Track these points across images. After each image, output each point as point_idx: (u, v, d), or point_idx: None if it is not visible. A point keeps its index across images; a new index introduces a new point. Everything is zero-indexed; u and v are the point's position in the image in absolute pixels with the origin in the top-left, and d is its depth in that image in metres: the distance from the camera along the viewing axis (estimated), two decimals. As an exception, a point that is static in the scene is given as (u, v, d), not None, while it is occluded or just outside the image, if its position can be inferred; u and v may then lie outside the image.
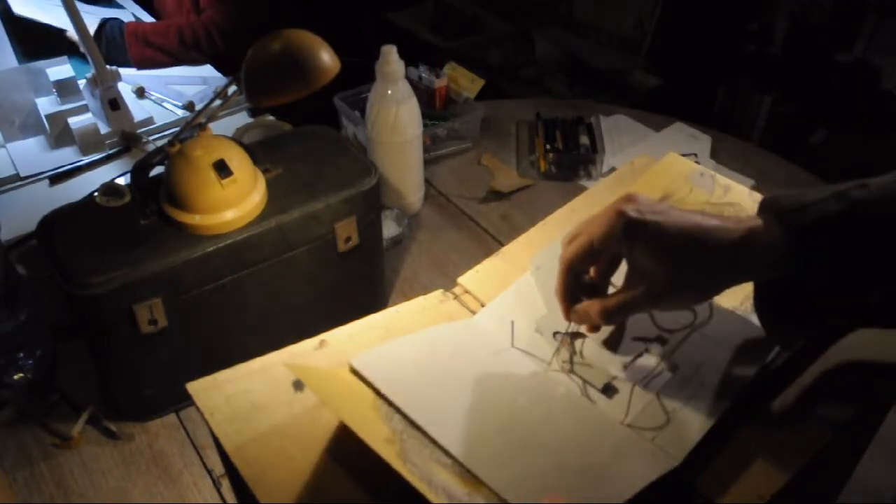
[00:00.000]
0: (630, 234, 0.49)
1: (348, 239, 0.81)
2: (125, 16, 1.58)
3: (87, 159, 1.18)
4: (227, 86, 0.75)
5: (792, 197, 0.47)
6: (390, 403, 0.51)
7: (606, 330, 0.58)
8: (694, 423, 0.51)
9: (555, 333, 0.58)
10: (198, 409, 0.53)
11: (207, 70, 1.47)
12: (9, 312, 0.75)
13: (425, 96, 1.22)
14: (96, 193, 0.75)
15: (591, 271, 0.55)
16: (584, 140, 1.19)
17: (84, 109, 1.22)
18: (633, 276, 0.51)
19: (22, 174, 1.15)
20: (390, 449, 0.47)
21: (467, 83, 1.30)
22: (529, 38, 2.43)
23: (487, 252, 0.72)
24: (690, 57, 2.21)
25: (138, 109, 1.28)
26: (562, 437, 0.51)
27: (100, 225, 0.73)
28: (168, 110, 1.32)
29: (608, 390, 0.54)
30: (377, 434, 0.48)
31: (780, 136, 2.04)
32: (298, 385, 0.55)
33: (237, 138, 0.80)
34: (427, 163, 1.11)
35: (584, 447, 0.50)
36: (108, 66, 1.21)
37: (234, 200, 0.72)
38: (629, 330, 0.58)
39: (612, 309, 0.52)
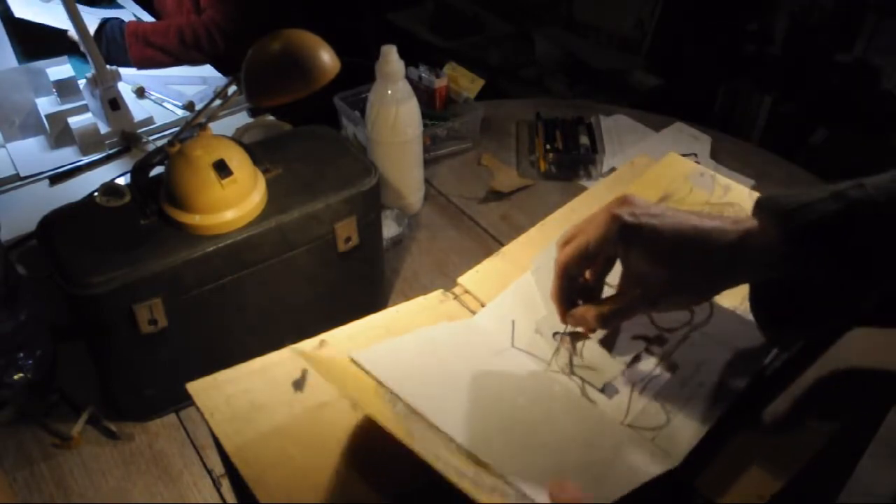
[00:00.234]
0: (626, 237, 0.49)
1: (348, 239, 0.81)
2: (125, 16, 1.58)
3: (87, 159, 1.18)
4: (227, 86, 0.75)
5: (789, 197, 0.47)
6: (392, 392, 0.51)
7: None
8: (694, 422, 0.51)
9: (554, 334, 0.58)
10: (198, 409, 0.53)
11: (207, 70, 1.47)
12: (9, 312, 0.75)
13: (425, 96, 1.22)
14: (96, 193, 0.75)
15: (587, 273, 0.55)
16: (584, 140, 1.19)
17: (84, 109, 1.22)
18: (629, 279, 0.51)
19: (22, 174, 1.15)
20: (399, 426, 0.47)
21: (467, 83, 1.30)
22: (529, 38, 2.43)
23: (487, 252, 0.72)
24: (690, 57, 2.21)
25: (138, 109, 1.28)
26: (562, 437, 0.51)
27: (100, 225, 0.73)
28: (168, 110, 1.32)
29: (608, 390, 0.54)
30: (383, 414, 0.48)
31: (780, 136, 2.04)
32: (298, 385, 0.55)
33: (237, 138, 0.80)
34: (427, 163, 1.11)
35: (584, 447, 0.50)
36: (108, 66, 1.21)
37: (234, 200, 0.72)
38: (629, 329, 0.58)
39: (609, 313, 0.52)
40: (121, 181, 0.77)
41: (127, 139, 1.23)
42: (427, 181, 1.13)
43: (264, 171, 0.78)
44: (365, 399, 0.49)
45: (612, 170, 1.15)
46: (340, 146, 0.85)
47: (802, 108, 2.04)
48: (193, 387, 0.55)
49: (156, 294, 0.70)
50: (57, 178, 1.16)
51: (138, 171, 0.74)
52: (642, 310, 0.53)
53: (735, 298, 0.59)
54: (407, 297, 0.78)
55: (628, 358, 0.56)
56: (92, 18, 1.42)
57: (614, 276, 0.54)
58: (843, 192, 0.45)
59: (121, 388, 0.78)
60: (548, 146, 1.18)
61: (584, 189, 1.03)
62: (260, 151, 0.79)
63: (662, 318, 0.58)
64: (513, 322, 0.60)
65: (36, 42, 1.40)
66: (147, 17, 1.62)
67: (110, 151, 1.21)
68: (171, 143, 0.71)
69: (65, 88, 1.23)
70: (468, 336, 0.60)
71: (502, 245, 0.76)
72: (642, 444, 0.50)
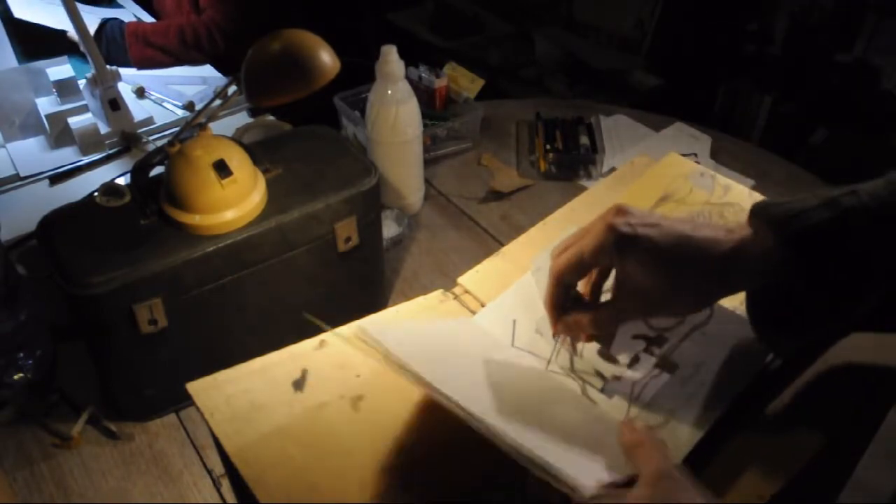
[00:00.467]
0: (621, 248, 0.49)
1: (348, 239, 0.81)
2: (125, 16, 1.58)
3: (87, 159, 1.18)
4: (227, 86, 0.75)
5: (783, 205, 0.47)
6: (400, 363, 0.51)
7: (605, 330, 0.58)
8: (693, 422, 0.51)
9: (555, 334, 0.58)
10: (198, 409, 0.53)
11: (207, 70, 1.48)
12: (9, 312, 0.75)
13: (425, 96, 1.22)
14: (96, 193, 0.75)
15: (580, 285, 0.55)
16: (584, 140, 1.19)
17: (84, 109, 1.22)
18: (624, 288, 0.51)
19: (22, 174, 1.15)
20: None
21: (467, 83, 1.30)
22: (529, 38, 2.43)
23: (487, 252, 0.72)
24: (690, 57, 2.21)
25: (138, 109, 1.28)
26: (563, 433, 0.51)
27: (100, 225, 0.73)
28: (168, 110, 1.32)
29: (608, 390, 0.54)
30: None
31: (780, 136, 2.04)
32: (298, 385, 0.55)
33: (237, 138, 0.80)
34: (427, 163, 1.11)
35: (584, 446, 0.50)
36: (108, 66, 1.21)
37: (234, 200, 0.72)
38: (628, 329, 0.58)
39: (604, 321, 0.52)
40: (121, 181, 0.77)
41: (127, 139, 1.23)
42: (427, 181, 1.13)
43: (264, 171, 0.78)
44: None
45: (612, 170, 1.15)
46: (340, 146, 0.85)
47: (802, 108, 2.04)
48: (193, 387, 0.55)
49: (156, 294, 0.70)
50: (57, 178, 1.16)
51: (138, 171, 0.74)
52: (637, 317, 0.53)
53: (735, 298, 0.59)
54: (407, 297, 0.78)
55: (628, 358, 0.56)
56: (92, 18, 1.42)
57: (608, 282, 0.54)
58: (837, 200, 0.45)
59: (121, 388, 0.78)
60: (548, 146, 1.18)
61: (584, 189, 1.03)
62: (260, 151, 0.79)
63: (662, 319, 0.58)
64: (513, 322, 0.60)
65: (36, 42, 1.40)
66: (147, 17, 1.62)
67: (110, 151, 1.21)
68: (171, 143, 0.71)
69: (65, 88, 1.23)
70: (468, 335, 0.60)
71: (502, 245, 0.76)
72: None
